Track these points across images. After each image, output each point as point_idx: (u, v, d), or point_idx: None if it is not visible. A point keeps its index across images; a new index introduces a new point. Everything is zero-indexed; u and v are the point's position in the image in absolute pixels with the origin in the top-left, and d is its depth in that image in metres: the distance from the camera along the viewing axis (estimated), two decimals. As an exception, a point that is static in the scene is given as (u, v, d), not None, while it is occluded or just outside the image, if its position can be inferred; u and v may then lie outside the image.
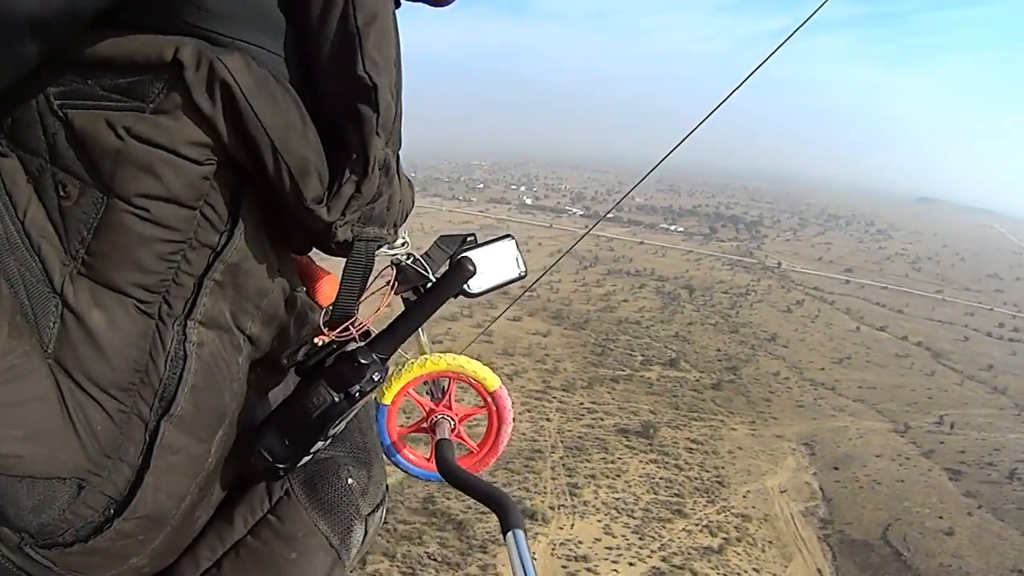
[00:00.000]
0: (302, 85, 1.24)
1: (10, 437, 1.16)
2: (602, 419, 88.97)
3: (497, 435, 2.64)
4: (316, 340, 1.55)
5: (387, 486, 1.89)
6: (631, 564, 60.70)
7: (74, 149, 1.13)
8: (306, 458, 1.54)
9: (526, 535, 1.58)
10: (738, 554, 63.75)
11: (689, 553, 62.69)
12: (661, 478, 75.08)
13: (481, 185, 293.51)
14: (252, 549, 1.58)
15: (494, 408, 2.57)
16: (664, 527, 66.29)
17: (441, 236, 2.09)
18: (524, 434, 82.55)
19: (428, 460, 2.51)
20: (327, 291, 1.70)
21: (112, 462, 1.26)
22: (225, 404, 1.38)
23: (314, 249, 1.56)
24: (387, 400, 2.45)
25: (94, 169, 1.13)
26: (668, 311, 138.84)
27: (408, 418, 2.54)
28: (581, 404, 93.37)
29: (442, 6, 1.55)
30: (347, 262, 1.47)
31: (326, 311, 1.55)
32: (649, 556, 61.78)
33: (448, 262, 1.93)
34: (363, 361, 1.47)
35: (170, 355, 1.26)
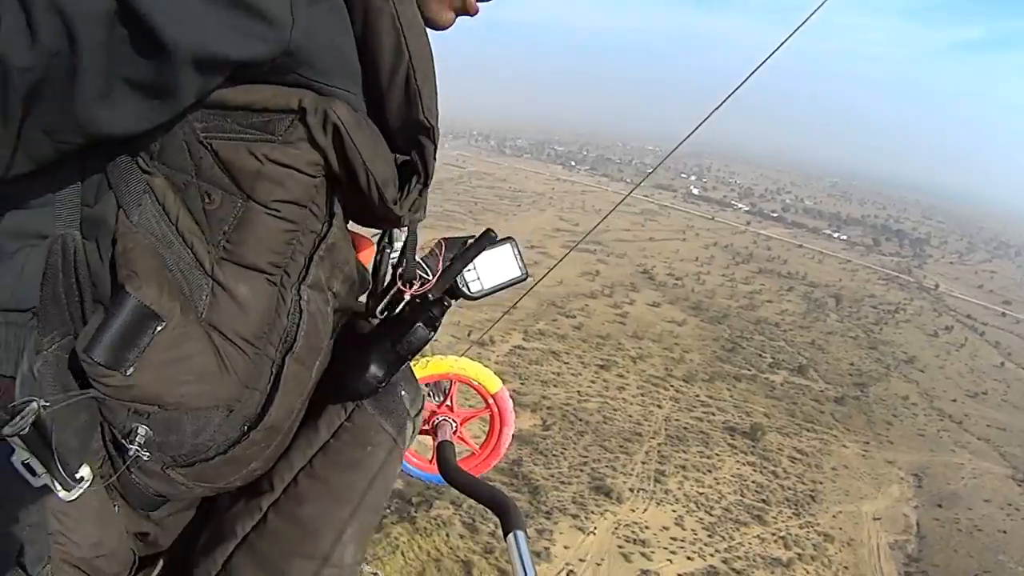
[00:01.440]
0: (373, 117, 1.61)
1: (183, 383, 1.54)
2: (713, 414, 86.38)
3: (498, 437, 2.76)
4: (406, 295, 1.93)
5: (424, 395, 2.20)
6: (689, 558, 59.14)
7: (218, 168, 1.47)
8: (394, 377, 1.92)
9: (527, 536, 1.67)
10: (807, 572, 60.69)
11: (754, 560, 60.30)
12: (753, 481, 72.20)
13: (651, 170, 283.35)
14: (336, 448, 1.94)
15: (496, 410, 2.72)
16: (738, 529, 63.94)
17: (442, 239, 2.18)
18: (631, 416, 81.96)
19: (430, 462, 2.60)
20: (367, 253, 1.99)
21: (249, 391, 1.64)
22: (322, 340, 1.75)
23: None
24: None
25: (236, 182, 1.48)
26: (810, 317, 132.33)
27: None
28: (697, 396, 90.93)
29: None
30: (407, 237, 1.94)
31: (399, 272, 1.95)
32: (712, 555, 59.88)
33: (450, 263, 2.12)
34: (446, 306, 1.89)
35: (290, 310, 1.64)
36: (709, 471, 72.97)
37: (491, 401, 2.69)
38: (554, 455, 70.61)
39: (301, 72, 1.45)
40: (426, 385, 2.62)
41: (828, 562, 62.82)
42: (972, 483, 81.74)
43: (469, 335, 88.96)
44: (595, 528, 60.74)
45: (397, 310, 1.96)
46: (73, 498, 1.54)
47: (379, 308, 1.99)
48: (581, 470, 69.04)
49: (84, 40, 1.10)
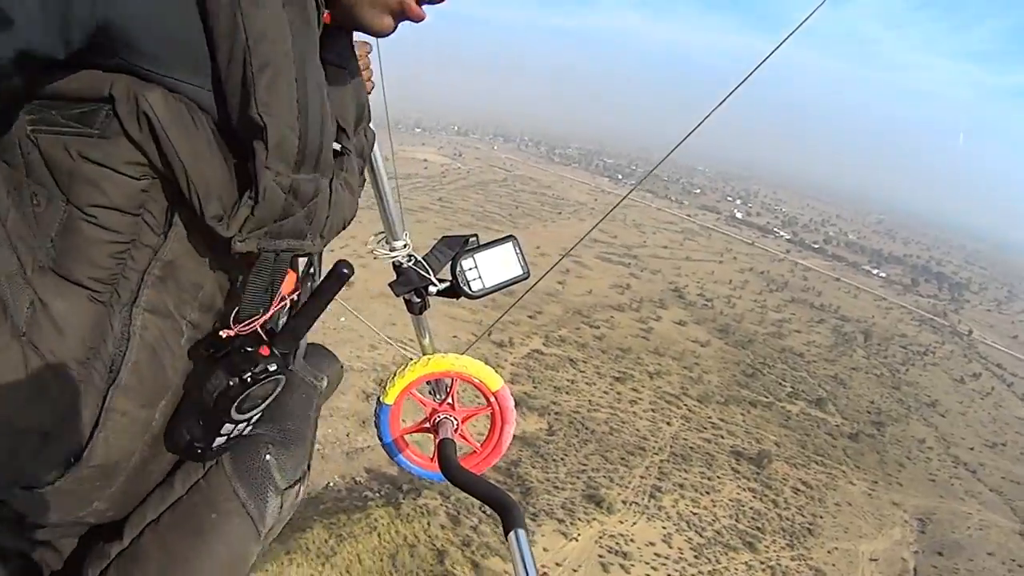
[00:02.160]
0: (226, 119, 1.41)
1: None
2: (722, 437, 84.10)
3: (499, 435, 2.67)
4: (222, 334, 1.61)
5: (308, 467, 1.96)
6: None
7: (44, 166, 1.33)
8: (219, 440, 1.64)
9: (528, 535, 1.62)
10: None
11: None
12: (751, 508, 69.90)
13: (698, 191, 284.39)
14: (185, 507, 1.73)
15: (497, 408, 2.62)
16: (727, 554, 61.73)
17: (443, 237, 2.21)
18: (638, 430, 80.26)
19: (431, 460, 2.57)
20: (285, 286, 1.69)
21: (69, 421, 1.47)
22: (168, 378, 1.55)
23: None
24: (389, 400, 2.56)
25: (56, 184, 1.33)
26: (837, 351, 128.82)
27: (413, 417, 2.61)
28: (708, 418, 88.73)
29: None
30: (256, 266, 1.57)
31: (237, 310, 1.61)
32: None
33: (450, 264, 2.11)
34: (249, 350, 1.58)
35: (116, 336, 1.45)
36: (707, 493, 70.98)
37: (492, 399, 2.59)
38: (554, 460, 69.45)
39: (124, 56, 1.26)
40: (427, 383, 2.62)
41: (816, 598, 60.69)
42: (978, 534, 78.32)
43: (489, 335, 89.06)
44: (579, 535, 59.43)
45: (221, 352, 1.63)
46: None
47: (202, 347, 1.63)
48: (577, 477, 67.70)
49: None
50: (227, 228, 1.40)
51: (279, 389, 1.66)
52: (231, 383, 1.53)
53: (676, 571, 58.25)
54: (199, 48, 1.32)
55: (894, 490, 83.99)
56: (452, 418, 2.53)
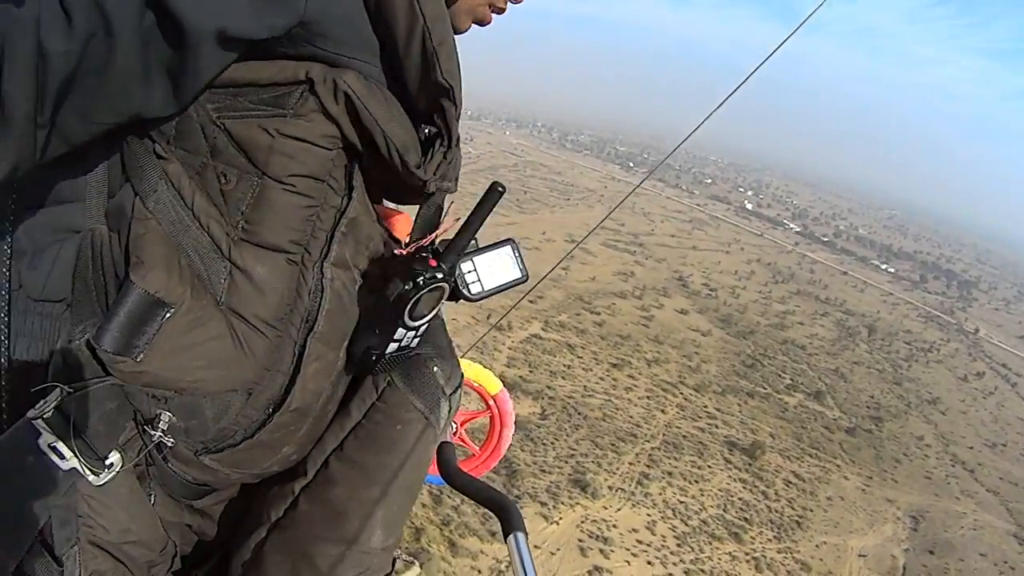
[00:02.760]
0: (394, 88, 1.61)
1: (196, 367, 1.56)
2: (716, 427, 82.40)
3: (498, 439, 2.70)
4: (396, 252, 1.78)
5: (462, 374, 2.12)
6: (649, 563, 55.68)
7: (232, 147, 1.49)
8: (392, 345, 1.79)
9: (527, 538, 1.65)
10: None
11: None
12: (740, 498, 68.21)
13: (709, 180, 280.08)
14: (367, 429, 1.85)
15: (496, 412, 2.65)
16: (711, 544, 60.02)
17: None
18: (632, 417, 78.68)
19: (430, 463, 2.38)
20: (403, 227, 1.91)
21: (271, 373, 1.64)
22: (349, 320, 1.72)
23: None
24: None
25: (250, 160, 1.49)
26: (839, 345, 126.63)
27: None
28: (704, 407, 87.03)
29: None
30: (423, 206, 1.82)
31: (409, 238, 1.85)
32: (675, 564, 56.23)
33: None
34: (423, 255, 1.70)
35: (311, 290, 1.63)
36: (696, 482, 69.16)
37: (491, 403, 2.65)
38: (543, 444, 67.96)
39: (316, 44, 1.46)
40: None
41: (798, 592, 58.79)
42: (971, 534, 76.02)
43: (488, 318, 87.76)
44: (560, 519, 57.84)
45: (394, 267, 1.79)
46: (102, 483, 1.59)
47: (377, 266, 1.83)
48: (566, 462, 66.05)
49: (118, 25, 1.16)
50: (424, 172, 1.61)
51: (444, 298, 1.80)
52: (407, 287, 1.65)
53: (657, 558, 56.50)
54: (368, 31, 1.50)
55: (888, 486, 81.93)
56: (452, 422, 2.34)
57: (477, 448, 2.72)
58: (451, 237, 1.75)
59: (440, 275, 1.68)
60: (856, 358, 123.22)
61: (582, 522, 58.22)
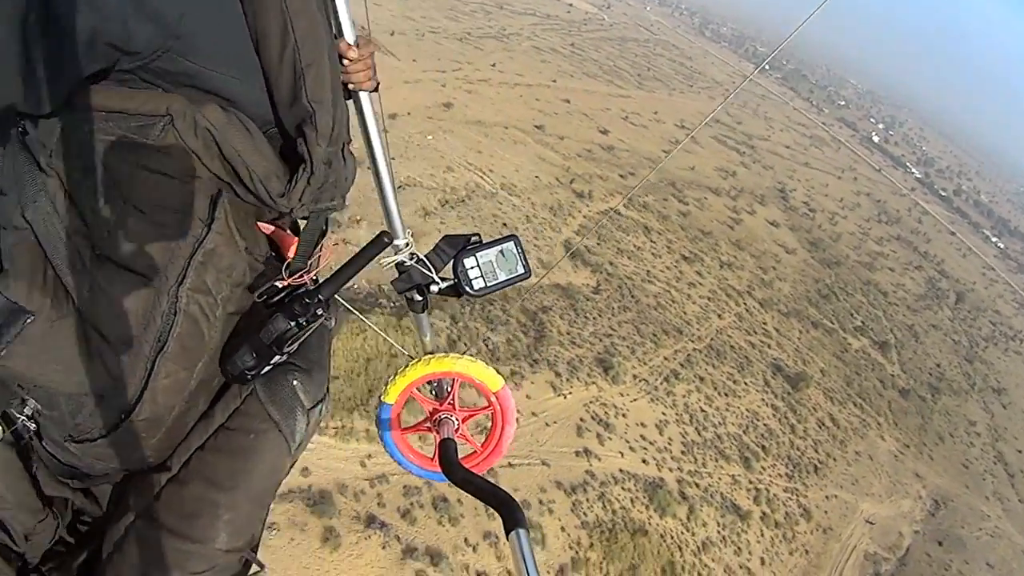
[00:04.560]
0: (263, 111, 1.71)
1: (52, 370, 1.68)
2: (768, 347, 75.08)
3: (500, 436, 2.62)
4: (279, 283, 1.91)
5: (328, 390, 2.15)
6: (643, 461, 50.61)
7: (102, 169, 1.57)
8: (267, 368, 1.91)
9: (529, 535, 1.64)
10: (759, 534, 50.84)
11: (710, 496, 51.06)
12: (764, 425, 61.79)
13: (842, 103, 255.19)
14: (226, 434, 1.93)
15: (498, 409, 2.59)
16: (716, 461, 54.37)
17: (444, 236, 2.21)
18: (685, 313, 72.38)
19: (432, 459, 2.54)
20: (291, 246, 2.01)
21: (120, 384, 1.72)
22: (205, 344, 1.82)
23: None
24: (390, 399, 2.59)
25: (115, 185, 1.57)
26: (923, 303, 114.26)
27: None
28: (763, 323, 79.57)
29: None
30: (304, 228, 1.99)
31: (288, 263, 1.96)
32: (670, 470, 50.88)
33: (452, 262, 2.14)
34: (308, 300, 1.85)
35: (164, 313, 1.70)
36: (727, 395, 62.90)
37: (493, 399, 2.60)
38: (585, 317, 62.52)
39: (189, 59, 1.54)
40: (428, 383, 2.63)
41: (790, 536, 52.79)
42: (986, 540, 67.61)
43: (572, 183, 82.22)
44: (570, 393, 52.78)
45: (276, 299, 1.94)
46: None
47: (258, 292, 1.94)
48: (600, 340, 60.47)
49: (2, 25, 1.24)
50: (288, 200, 1.74)
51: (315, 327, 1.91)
52: (290, 326, 1.80)
53: (653, 459, 51.61)
54: (241, 47, 1.58)
55: (923, 461, 73.59)
56: (453, 418, 2.48)
57: (479, 445, 2.63)
58: (335, 268, 1.90)
59: (321, 311, 1.83)
60: (935, 321, 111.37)
61: (591, 402, 53.19)
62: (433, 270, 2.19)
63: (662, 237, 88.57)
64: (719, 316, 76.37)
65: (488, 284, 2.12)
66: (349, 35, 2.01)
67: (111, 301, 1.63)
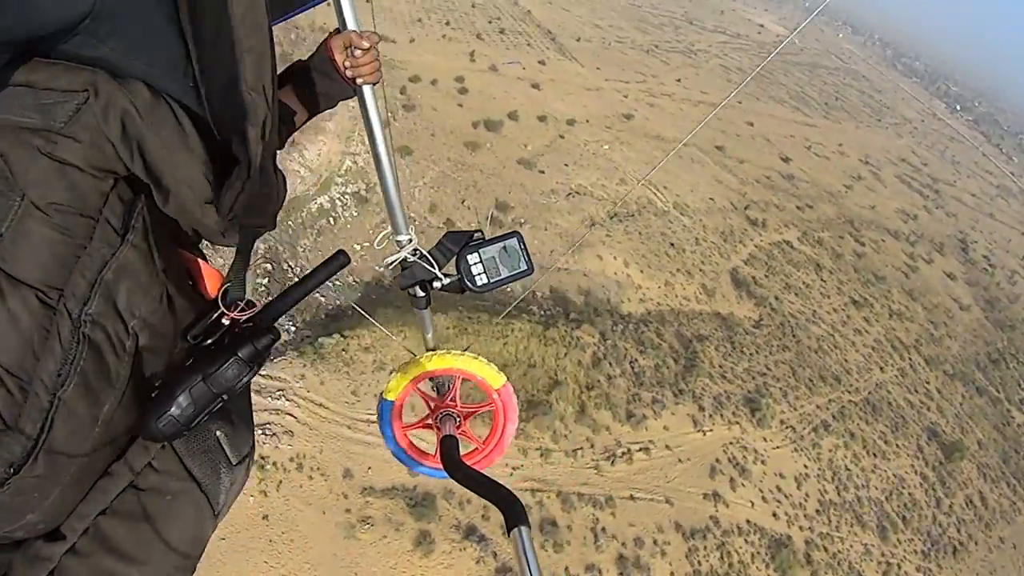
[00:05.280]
0: (197, 106, 1.42)
1: None
2: (927, 409, 70.22)
3: (502, 432, 2.61)
4: (224, 320, 1.65)
5: (253, 444, 1.90)
6: (773, 515, 46.81)
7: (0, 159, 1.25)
8: (205, 417, 1.62)
9: (531, 532, 1.60)
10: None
11: (837, 561, 47.49)
12: (909, 494, 57.73)
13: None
14: (135, 494, 1.62)
15: (499, 405, 2.59)
16: (851, 525, 50.45)
17: (447, 233, 2.18)
18: (846, 361, 69.17)
19: (433, 456, 2.55)
20: (211, 283, 1.72)
21: (13, 432, 1.35)
22: (112, 381, 1.46)
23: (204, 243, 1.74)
24: (392, 396, 2.57)
25: (13, 177, 1.24)
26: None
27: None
28: (926, 383, 74.66)
29: None
30: (237, 248, 1.68)
31: (222, 291, 1.67)
32: (798, 529, 46.87)
33: (456, 259, 2.11)
34: (258, 338, 1.61)
35: (65, 340, 1.35)
36: (875, 455, 59.37)
37: (495, 397, 2.59)
38: (741, 351, 60.89)
39: (108, 44, 1.27)
40: (431, 380, 2.61)
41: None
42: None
43: (746, 208, 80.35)
44: (710, 431, 50.77)
45: (214, 338, 1.66)
46: None
47: (192, 333, 1.64)
48: (752, 378, 58.55)
49: None
50: (218, 210, 1.44)
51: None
52: (245, 373, 1.57)
53: (785, 514, 48.71)
54: (172, 33, 1.32)
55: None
56: (455, 415, 2.49)
57: (480, 442, 2.60)
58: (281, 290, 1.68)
59: (273, 347, 1.62)
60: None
61: (731, 443, 51.15)
62: (436, 266, 2.14)
63: (833, 277, 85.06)
64: (881, 369, 72.76)
65: (491, 280, 2.10)
66: (355, 25, 1.99)
67: None
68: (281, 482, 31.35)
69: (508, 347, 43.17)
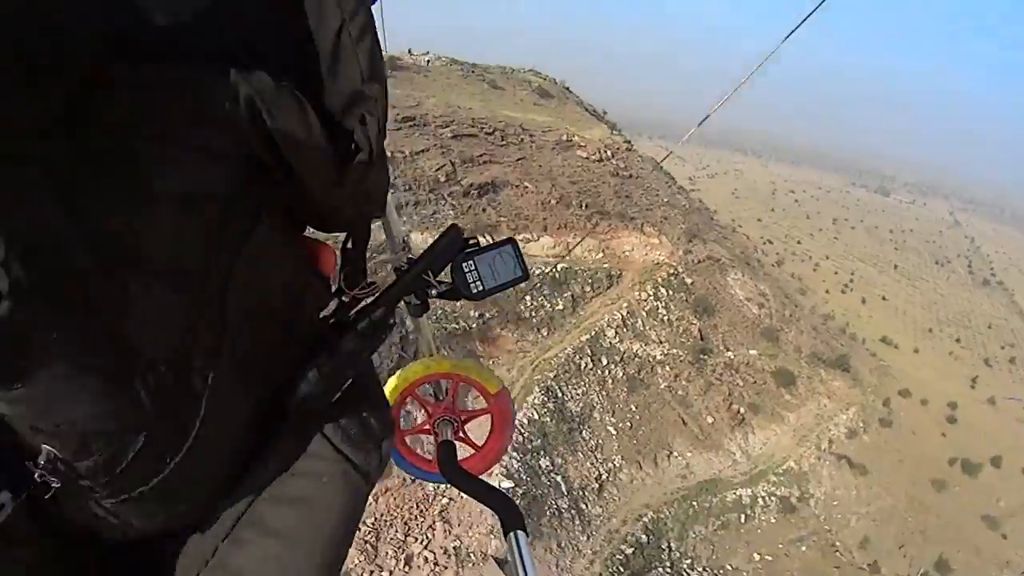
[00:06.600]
0: (311, 93, 1.36)
1: (80, 401, 1.20)
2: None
3: (499, 437, 2.55)
4: (344, 298, 1.67)
5: (392, 424, 1.83)
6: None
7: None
8: (337, 395, 1.62)
9: (528, 536, 1.59)
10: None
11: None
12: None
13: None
14: (289, 479, 1.55)
15: (497, 410, 2.52)
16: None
17: (439, 238, 2.06)
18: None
19: (431, 462, 2.45)
20: (329, 260, 1.71)
21: (164, 418, 1.26)
22: (256, 359, 1.45)
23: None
24: (389, 400, 2.43)
25: (135, 168, 1.15)
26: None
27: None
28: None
29: None
30: (355, 233, 1.66)
31: (340, 274, 1.68)
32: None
33: (450, 266, 2.03)
34: (378, 317, 1.65)
35: (209, 323, 1.28)
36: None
37: (492, 401, 2.51)
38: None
39: (214, 44, 1.24)
40: (427, 385, 2.54)
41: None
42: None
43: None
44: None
45: (338, 318, 1.68)
46: None
47: (326, 313, 1.67)
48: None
49: None
50: (342, 192, 1.40)
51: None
52: (367, 345, 1.62)
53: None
54: (282, 23, 1.31)
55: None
56: (452, 420, 2.44)
57: (478, 447, 2.58)
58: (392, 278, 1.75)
59: (392, 321, 1.68)
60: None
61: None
62: (431, 274, 1.99)
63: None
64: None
65: (486, 287, 1.99)
66: None
67: (142, 313, 1.15)
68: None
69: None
